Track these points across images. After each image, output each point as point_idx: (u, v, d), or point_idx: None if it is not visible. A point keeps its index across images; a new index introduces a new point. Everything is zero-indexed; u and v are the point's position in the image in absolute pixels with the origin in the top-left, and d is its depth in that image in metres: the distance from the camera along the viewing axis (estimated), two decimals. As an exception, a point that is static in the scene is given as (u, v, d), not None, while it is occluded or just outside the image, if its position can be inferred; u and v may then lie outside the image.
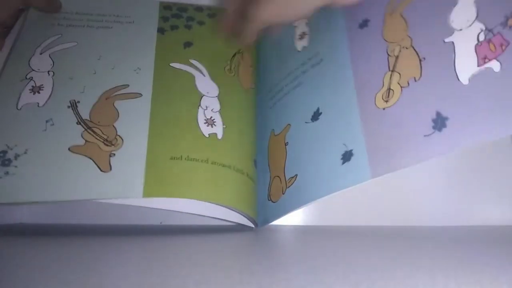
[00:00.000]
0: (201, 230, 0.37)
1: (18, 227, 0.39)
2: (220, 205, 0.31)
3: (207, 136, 0.33)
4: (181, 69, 0.36)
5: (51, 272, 0.19)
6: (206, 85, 0.36)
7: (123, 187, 0.29)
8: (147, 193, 0.29)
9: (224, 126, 0.34)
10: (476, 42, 0.25)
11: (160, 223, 0.41)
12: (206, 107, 0.34)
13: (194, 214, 0.31)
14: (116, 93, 0.33)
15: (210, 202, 0.31)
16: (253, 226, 0.34)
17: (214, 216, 0.31)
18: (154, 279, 0.18)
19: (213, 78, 0.36)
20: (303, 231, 0.33)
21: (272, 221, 0.33)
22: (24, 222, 0.40)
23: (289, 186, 0.32)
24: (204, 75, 0.36)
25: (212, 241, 0.31)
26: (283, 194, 0.32)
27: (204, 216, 0.32)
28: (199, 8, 0.41)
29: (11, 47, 0.36)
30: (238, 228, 0.38)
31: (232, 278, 0.18)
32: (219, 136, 0.33)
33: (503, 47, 0.24)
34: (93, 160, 0.30)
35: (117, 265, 0.21)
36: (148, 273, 0.19)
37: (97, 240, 0.31)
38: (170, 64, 0.36)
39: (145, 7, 0.40)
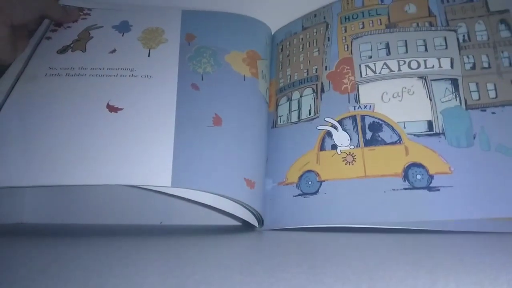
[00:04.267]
0: (201, 230, 0.37)
1: (18, 227, 0.39)
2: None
3: None
4: None
5: (51, 272, 0.19)
6: None
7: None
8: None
9: None
10: None
11: (160, 223, 0.41)
12: None
13: (205, 204, 0.32)
14: None
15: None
16: (256, 225, 0.34)
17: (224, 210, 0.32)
18: (154, 279, 0.18)
19: None
20: (303, 231, 0.33)
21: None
22: (24, 222, 0.40)
23: None
24: None
25: (212, 241, 0.31)
26: None
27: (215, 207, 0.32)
28: None
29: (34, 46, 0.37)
30: (238, 228, 0.38)
31: (233, 278, 0.18)
32: None
33: None
34: None
35: (117, 265, 0.21)
36: (148, 273, 0.19)
37: (97, 240, 0.31)
38: None
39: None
